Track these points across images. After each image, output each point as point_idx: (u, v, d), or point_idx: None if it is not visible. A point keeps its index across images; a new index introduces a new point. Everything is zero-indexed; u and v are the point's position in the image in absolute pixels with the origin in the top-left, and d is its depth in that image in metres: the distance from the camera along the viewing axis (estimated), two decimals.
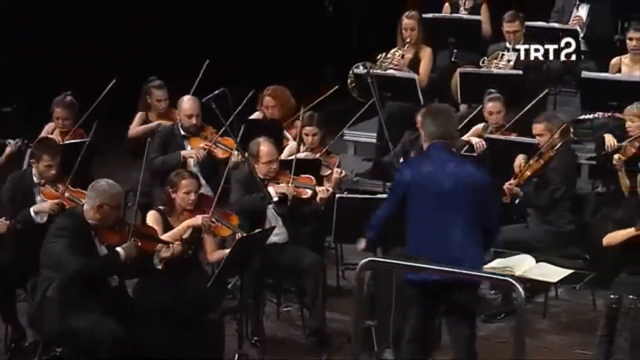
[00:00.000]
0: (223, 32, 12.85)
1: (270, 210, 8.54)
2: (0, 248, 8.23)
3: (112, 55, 12.31)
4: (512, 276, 7.11)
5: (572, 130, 10.64)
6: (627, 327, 7.76)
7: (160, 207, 8.03)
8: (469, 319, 7.14)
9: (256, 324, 8.35)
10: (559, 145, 9.25)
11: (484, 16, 11.15)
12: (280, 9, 12.97)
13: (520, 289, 6.08)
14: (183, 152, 9.31)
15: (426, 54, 10.72)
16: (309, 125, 9.30)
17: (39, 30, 12.38)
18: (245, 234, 7.92)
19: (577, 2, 11.16)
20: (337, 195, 8.54)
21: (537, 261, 7.80)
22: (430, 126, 7.09)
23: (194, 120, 9.40)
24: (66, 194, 8.35)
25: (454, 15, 11.23)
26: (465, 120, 9.84)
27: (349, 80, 10.63)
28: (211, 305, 7.80)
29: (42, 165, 8.39)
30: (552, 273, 7.60)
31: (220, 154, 9.34)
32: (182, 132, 9.48)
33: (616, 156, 9.11)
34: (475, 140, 9.58)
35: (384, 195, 8.76)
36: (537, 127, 9.26)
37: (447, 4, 11.39)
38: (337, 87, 10.01)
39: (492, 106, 9.74)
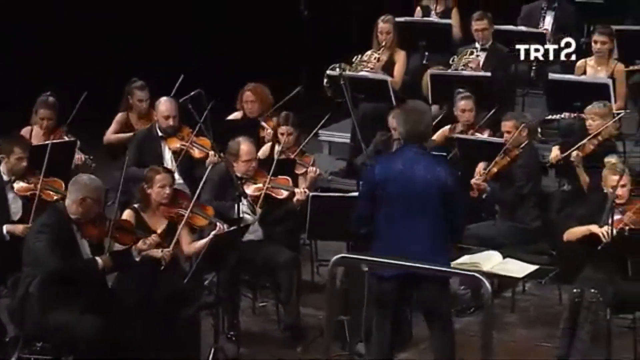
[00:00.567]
0: (203, 36, 12.84)
1: (246, 209, 8.56)
2: None
3: (93, 57, 12.29)
4: (480, 272, 7.10)
5: (539, 130, 10.76)
6: (588, 320, 7.81)
7: (135, 205, 8.04)
8: (443, 316, 7.11)
9: (232, 318, 8.37)
10: (525, 143, 9.31)
11: (454, 20, 11.20)
12: (258, 13, 12.97)
13: (488, 284, 6.11)
14: None
15: (400, 57, 10.76)
16: (285, 125, 9.31)
17: (39, 30, 12.35)
18: (221, 225, 7.95)
19: (544, 9, 11.20)
20: (311, 194, 8.54)
21: (504, 257, 7.81)
22: (402, 125, 7.08)
23: (171, 122, 9.41)
24: (40, 185, 8.35)
25: (426, 19, 11.29)
26: (435, 121, 9.86)
27: (324, 82, 10.65)
28: (188, 301, 7.79)
29: (13, 159, 8.38)
30: (519, 269, 7.61)
31: (197, 153, 9.35)
32: (160, 133, 9.49)
33: (574, 153, 9.16)
34: None
35: (357, 194, 8.83)
36: (506, 125, 9.33)
37: (418, 8, 11.45)
38: (299, 88, 9.99)
39: (463, 104, 9.79)
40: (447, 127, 9.97)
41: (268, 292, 8.98)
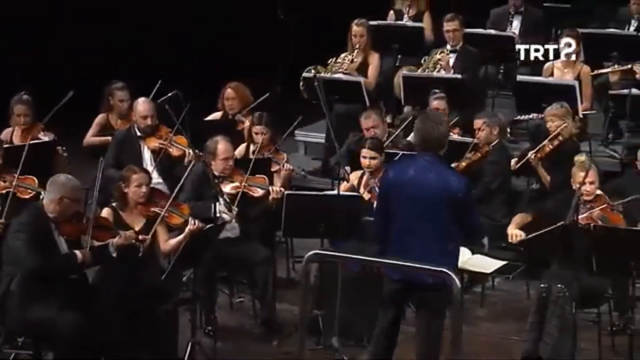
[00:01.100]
0: (183, 38, 12.82)
1: (223, 207, 8.55)
2: None
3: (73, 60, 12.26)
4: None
5: (509, 130, 10.80)
6: (555, 314, 7.83)
7: (113, 204, 8.03)
8: (437, 319, 7.02)
9: (209, 314, 8.37)
10: (496, 141, 9.35)
11: (426, 23, 11.23)
12: (237, 16, 12.96)
13: (456, 280, 6.10)
14: None
15: (374, 59, 10.77)
16: (258, 125, 9.32)
17: (38, 30, 12.32)
18: (196, 222, 7.96)
19: (511, 13, 11.23)
20: (286, 193, 8.54)
21: (473, 253, 7.86)
22: (416, 133, 6.98)
23: (149, 121, 9.40)
24: (15, 183, 8.34)
25: (398, 22, 11.30)
26: (407, 121, 9.88)
27: (300, 83, 10.67)
28: (166, 297, 7.80)
29: None
30: (487, 264, 7.66)
31: (175, 152, 9.35)
32: (139, 133, 9.48)
33: (530, 155, 9.20)
34: None
35: (332, 192, 8.85)
36: (478, 122, 9.40)
37: (391, 12, 11.46)
38: (268, 94, 10.00)
39: (437, 104, 9.81)
40: None
41: (245, 288, 8.99)
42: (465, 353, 7.82)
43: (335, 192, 8.65)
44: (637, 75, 9.99)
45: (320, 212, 8.22)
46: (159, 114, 9.38)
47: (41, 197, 7.96)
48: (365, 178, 8.87)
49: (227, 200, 8.50)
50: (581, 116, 9.75)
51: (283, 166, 9.17)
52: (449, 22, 10.67)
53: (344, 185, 8.85)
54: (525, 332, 8.06)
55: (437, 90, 9.86)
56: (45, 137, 9.40)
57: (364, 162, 8.80)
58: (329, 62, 10.71)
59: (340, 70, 10.60)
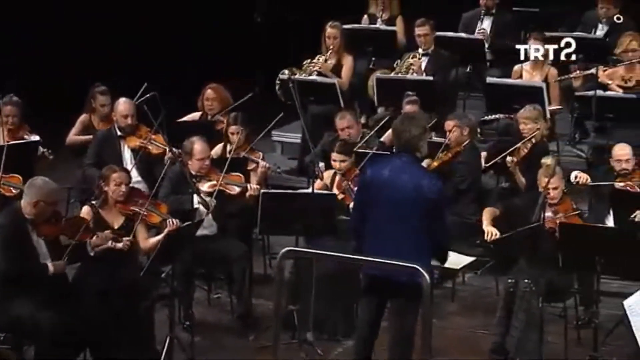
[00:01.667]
0: (165, 41, 12.79)
1: (200, 205, 8.55)
2: None
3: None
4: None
5: (479, 130, 10.82)
6: (522, 309, 7.86)
7: (93, 202, 8.01)
8: (411, 314, 6.97)
9: (187, 309, 8.35)
10: (466, 142, 9.36)
11: (398, 27, 11.24)
12: (216, 19, 12.93)
13: (426, 275, 6.10)
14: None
15: (347, 60, 10.79)
16: (234, 125, 9.32)
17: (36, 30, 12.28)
18: (174, 221, 7.96)
19: (482, 16, 11.26)
20: (262, 191, 8.55)
21: None
22: (395, 133, 6.95)
23: (129, 120, 9.43)
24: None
25: (372, 26, 11.31)
26: (383, 122, 9.89)
27: (276, 85, 10.67)
28: (144, 293, 7.80)
29: None
30: (456, 260, 7.65)
31: (154, 150, 9.35)
32: (119, 133, 9.49)
33: (509, 159, 9.21)
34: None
35: (307, 191, 8.84)
36: (449, 124, 9.40)
37: (365, 16, 11.46)
38: (251, 94, 9.99)
39: (409, 109, 9.80)
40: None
41: (222, 284, 8.98)
42: (435, 347, 7.80)
43: (309, 190, 8.65)
44: (599, 79, 9.99)
45: (295, 210, 8.22)
46: (138, 115, 9.36)
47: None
48: (337, 179, 8.89)
49: (204, 198, 8.49)
50: (549, 116, 9.79)
51: (260, 164, 9.16)
52: (420, 27, 10.69)
53: (317, 183, 8.86)
54: (494, 326, 8.09)
55: (410, 94, 9.86)
56: (30, 139, 9.40)
57: (335, 164, 8.88)
58: (304, 63, 10.72)
59: (314, 70, 10.61)
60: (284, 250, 6.41)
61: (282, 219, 8.27)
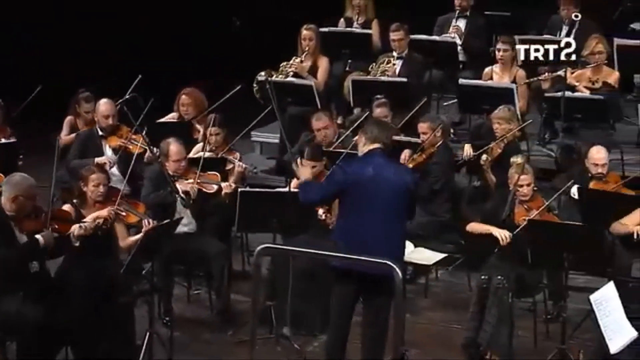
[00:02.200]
0: (148, 45, 12.77)
1: (179, 204, 8.54)
2: None
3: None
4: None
5: (452, 130, 10.84)
6: (494, 304, 7.87)
7: (74, 201, 7.99)
8: (384, 307, 7.08)
9: (167, 305, 8.36)
10: (439, 143, 9.37)
11: (374, 30, 11.24)
12: (196, 23, 12.91)
13: (399, 271, 6.09)
14: (97, 159, 9.27)
15: (323, 62, 10.80)
16: (213, 126, 9.32)
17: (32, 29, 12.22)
18: (151, 220, 7.95)
19: (456, 19, 11.28)
20: (240, 190, 8.55)
21: (416, 246, 7.87)
22: (370, 132, 7.10)
23: (110, 121, 9.44)
24: None
25: (348, 29, 11.30)
26: (358, 122, 9.88)
27: (254, 87, 10.66)
28: (125, 289, 7.78)
29: None
30: (428, 256, 7.68)
31: (134, 149, 9.30)
32: (101, 133, 9.50)
33: (483, 157, 9.23)
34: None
35: (284, 189, 8.83)
36: (422, 126, 9.40)
37: (342, 19, 11.46)
38: (239, 87, 9.99)
39: (379, 112, 9.83)
40: None
41: (201, 280, 8.98)
42: (409, 341, 7.88)
43: (286, 189, 8.64)
44: (567, 81, 10.02)
45: (272, 207, 8.22)
46: (119, 115, 9.36)
47: None
48: (329, 175, 8.85)
49: (183, 196, 8.50)
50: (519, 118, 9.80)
51: (237, 164, 9.15)
52: (395, 32, 10.71)
53: (294, 182, 8.83)
54: (466, 320, 8.09)
55: (379, 97, 9.87)
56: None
57: None
58: (281, 65, 10.72)
59: (290, 71, 10.61)
60: (260, 247, 6.41)
61: (259, 216, 8.27)
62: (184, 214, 8.46)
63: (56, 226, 7.45)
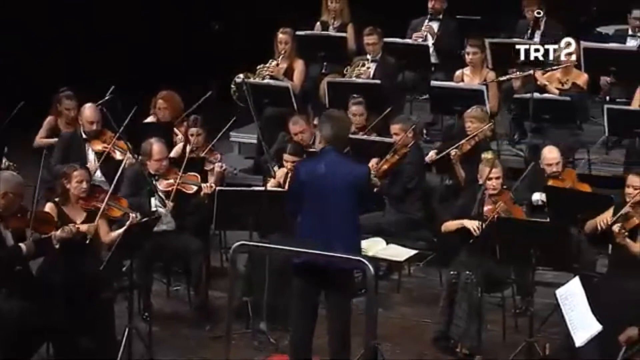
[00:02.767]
0: (128, 49, 12.74)
1: (158, 203, 8.53)
2: None
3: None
4: (366, 256, 7.14)
5: (425, 131, 10.87)
6: (464, 299, 7.91)
7: (56, 199, 7.98)
8: (346, 299, 7.12)
9: (146, 301, 8.35)
10: (412, 143, 9.39)
11: (349, 34, 11.24)
12: (175, 27, 12.88)
13: (371, 267, 6.12)
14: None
15: (299, 65, 10.81)
16: (193, 127, 9.31)
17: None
18: (134, 214, 7.96)
19: (429, 22, 11.30)
20: (217, 189, 8.55)
21: (388, 243, 7.88)
22: (327, 130, 7.10)
23: (94, 126, 9.41)
24: None
25: (324, 32, 11.31)
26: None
27: (232, 89, 10.66)
28: (105, 285, 7.78)
29: None
30: (400, 253, 7.69)
31: (118, 155, 9.29)
32: (84, 136, 9.47)
33: (453, 152, 9.26)
34: None
35: (260, 188, 8.82)
36: (394, 127, 9.41)
37: (318, 23, 11.47)
38: (211, 92, 9.97)
39: (355, 109, 9.85)
40: None
41: (180, 277, 8.97)
42: (381, 335, 7.88)
43: (263, 188, 8.64)
44: (537, 82, 10.05)
45: (248, 206, 8.22)
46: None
47: None
48: (290, 177, 8.88)
49: (162, 196, 8.49)
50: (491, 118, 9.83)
51: (217, 165, 9.15)
52: (369, 36, 10.73)
53: (271, 181, 8.86)
54: (437, 315, 8.11)
55: (355, 96, 9.89)
56: None
57: (287, 165, 8.91)
58: (258, 68, 10.73)
59: (267, 73, 10.62)
60: (236, 244, 6.43)
61: (236, 215, 8.27)
62: (163, 216, 8.44)
63: (38, 227, 7.44)
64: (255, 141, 10.90)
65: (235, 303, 8.18)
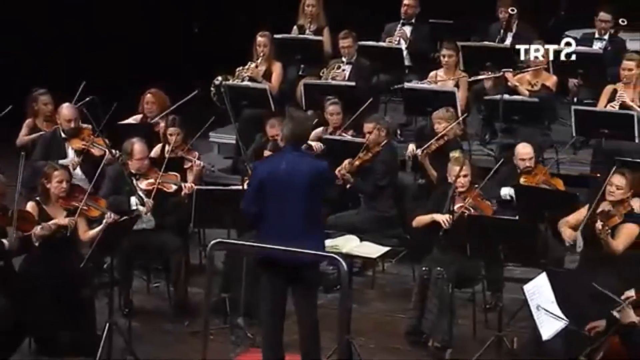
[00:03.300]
0: (109, 51, 12.70)
1: (137, 202, 8.51)
2: None
3: None
4: (339, 253, 7.14)
5: (398, 131, 10.88)
6: (435, 294, 7.93)
7: (37, 198, 7.96)
8: (312, 293, 7.12)
9: (126, 297, 8.33)
10: (384, 142, 9.40)
11: (325, 37, 11.25)
12: (157, 29, 12.85)
13: (344, 264, 6.11)
14: (61, 161, 9.16)
15: (277, 67, 10.82)
16: (172, 127, 9.32)
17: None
18: (113, 215, 7.94)
19: (402, 26, 11.32)
20: (196, 188, 8.55)
21: (361, 240, 7.89)
22: (288, 130, 7.10)
23: (72, 124, 9.41)
24: None
25: (301, 36, 11.31)
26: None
27: (211, 91, 10.66)
28: (85, 282, 7.76)
29: None
30: (373, 250, 7.69)
31: (96, 152, 9.30)
32: (64, 135, 9.46)
33: (418, 151, 9.29)
34: (314, 144, 9.62)
35: (238, 187, 8.81)
36: (368, 127, 9.43)
37: (295, 27, 11.47)
38: (196, 91, 9.97)
39: (332, 109, 9.87)
40: (320, 129, 10.02)
41: (160, 274, 8.96)
42: (356, 329, 7.92)
43: (240, 187, 8.63)
44: (508, 83, 10.09)
45: (225, 204, 8.21)
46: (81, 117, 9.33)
47: None
48: (249, 176, 8.87)
49: (141, 195, 8.50)
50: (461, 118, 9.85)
51: (195, 163, 9.15)
52: (344, 39, 10.75)
53: (248, 181, 8.82)
54: (410, 310, 8.13)
55: (332, 97, 9.92)
56: None
57: None
58: (237, 70, 10.72)
59: (246, 75, 10.62)
60: (212, 242, 6.42)
61: (214, 213, 8.26)
62: (143, 215, 8.43)
63: (19, 225, 7.42)
64: (234, 141, 10.88)
65: (214, 299, 8.21)
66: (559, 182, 8.83)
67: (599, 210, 7.75)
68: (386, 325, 8.43)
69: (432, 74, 10.48)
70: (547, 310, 7.00)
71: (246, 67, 10.69)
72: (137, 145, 8.65)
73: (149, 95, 10.02)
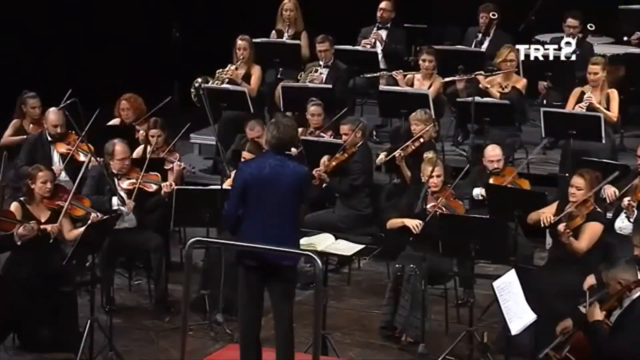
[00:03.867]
0: (90, 55, 12.64)
1: (119, 201, 8.49)
2: None
3: None
4: (315, 251, 7.13)
5: (374, 132, 10.89)
6: (408, 291, 7.94)
7: (21, 198, 7.94)
8: (288, 290, 7.05)
9: (108, 294, 8.30)
10: (360, 143, 9.40)
11: (303, 41, 11.25)
12: (137, 34, 12.81)
13: (319, 261, 6.10)
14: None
15: (256, 70, 10.81)
16: (154, 129, 9.30)
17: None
18: (95, 214, 7.93)
19: (377, 28, 11.33)
20: (176, 188, 8.54)
21: (337, 238, 7.87)
22: (270, 135, 7.00)
23: (58, 129, 9.41)
24: None
25: (279, 40, 11.30)
26: None
27: (192, 93, 10.64)
28: (67, 280, 7.74)
29: None
30: (348, 248, 7.67)
31: (81, 157, 9.26)
32: (50, 138, 9.45)
33: (397, 153, 9.30)
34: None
35: (217, 187, 8.79)
36: (344, 128, 9.43)
37: (273, 31, 11.46)
38: (170, 98, 9.97)
39: (313, 110, 9.86)
40: (299, 130, 9.99)
41: (141, 271, 8.96)
42: (332, 325, 7.94)
43: (219, 187, 8.61)
44: (480, 85, 10.12)
45: (205, 204, 8.20)
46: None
47: None
48: (233, 177, 8.84)
49: (122, 195, 8.48)
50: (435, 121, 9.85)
51: (176, 164, 9.14)
52: (321, 43, 10.76)
53: (228, 181, 8.82)
54: (384, 306, 8.13)
55: (314, 99, 9.91)
56: None
57: None
58: (217, 72, 10.71)
59: (225, 77, 10.61)
60: (191, 240, 6.39)
61: (194, 212, 8.25)
62: (125, 214, 8.41)
63: (1, 225, 7.38)
64: (214, 142, 10.87)
65: (193, 296, 8.19)
66: (526, 183, 8.85)
67: (564, 212, 7.78)
68: (362, 320, 8.45)
69: (408, 76, 10.48)
70: (515, 306, 7.01)
71: (226, 69, 10.69)
72: (118, 146, 8.63)
73: (123, 101, 9.97)
